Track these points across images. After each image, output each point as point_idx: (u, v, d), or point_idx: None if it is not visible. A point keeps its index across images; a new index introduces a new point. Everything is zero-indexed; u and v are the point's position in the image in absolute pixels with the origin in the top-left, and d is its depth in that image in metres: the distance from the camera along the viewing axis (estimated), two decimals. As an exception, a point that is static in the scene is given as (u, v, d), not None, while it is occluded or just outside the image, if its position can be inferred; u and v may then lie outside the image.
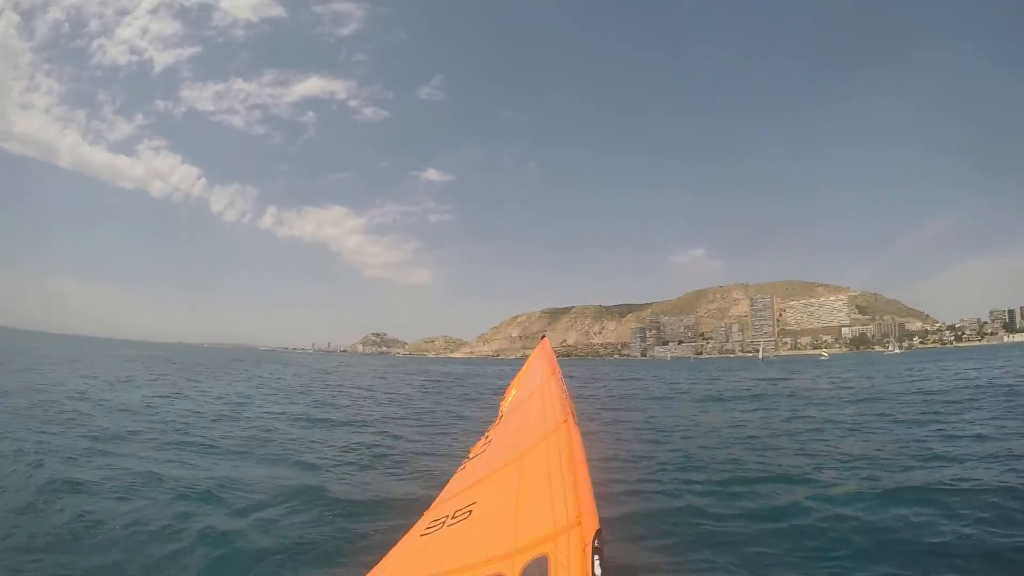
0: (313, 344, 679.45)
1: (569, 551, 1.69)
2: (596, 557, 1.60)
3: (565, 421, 2.87)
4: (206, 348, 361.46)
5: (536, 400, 4.01)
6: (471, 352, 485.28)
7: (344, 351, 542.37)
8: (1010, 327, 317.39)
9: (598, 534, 1.68)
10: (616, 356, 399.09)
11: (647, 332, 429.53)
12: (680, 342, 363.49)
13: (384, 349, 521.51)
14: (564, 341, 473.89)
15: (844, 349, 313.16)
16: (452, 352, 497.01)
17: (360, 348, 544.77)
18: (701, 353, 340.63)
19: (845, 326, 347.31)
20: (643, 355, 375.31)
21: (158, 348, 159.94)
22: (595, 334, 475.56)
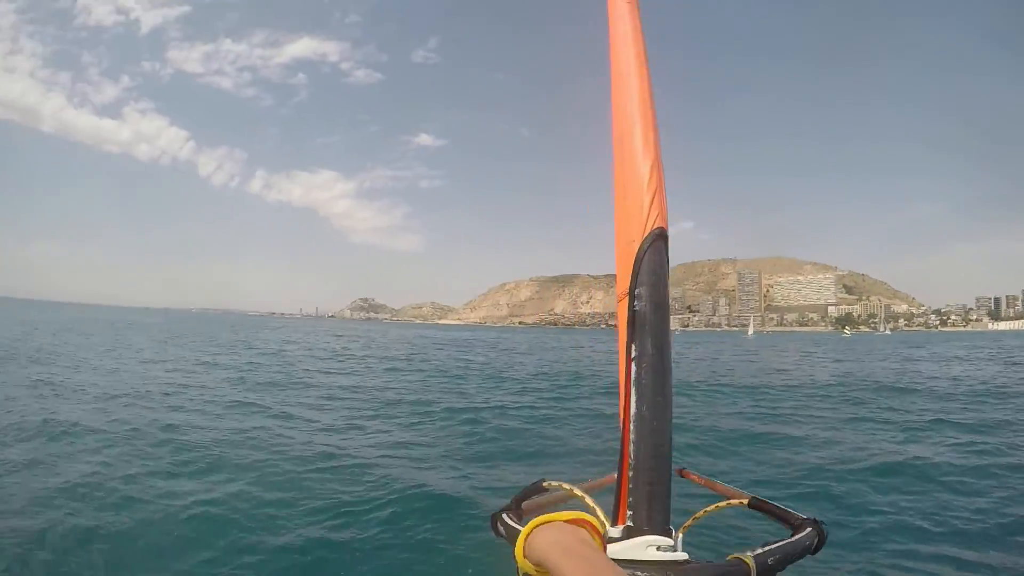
0: (301, 309, 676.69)
1: None
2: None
3: None
4: (195, 313, 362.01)
5: None
6: (459, 319, 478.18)
7: (332, 316, 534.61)
8: (995, 315, 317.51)
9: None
10: (604, 326, 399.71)
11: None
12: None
13: (372, 315, 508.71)
14: (552, 310, 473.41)
15: (829, 328, 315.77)
16: (440, 319, 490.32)
17: (348, 313, 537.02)
18: (688, 326, 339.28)
19: (832, 304, 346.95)
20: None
21: (147, 314, 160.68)
22: (583, 303, 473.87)
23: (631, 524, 1.08)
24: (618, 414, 1.22)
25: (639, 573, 0.93)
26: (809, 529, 1.09)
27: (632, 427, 1.15)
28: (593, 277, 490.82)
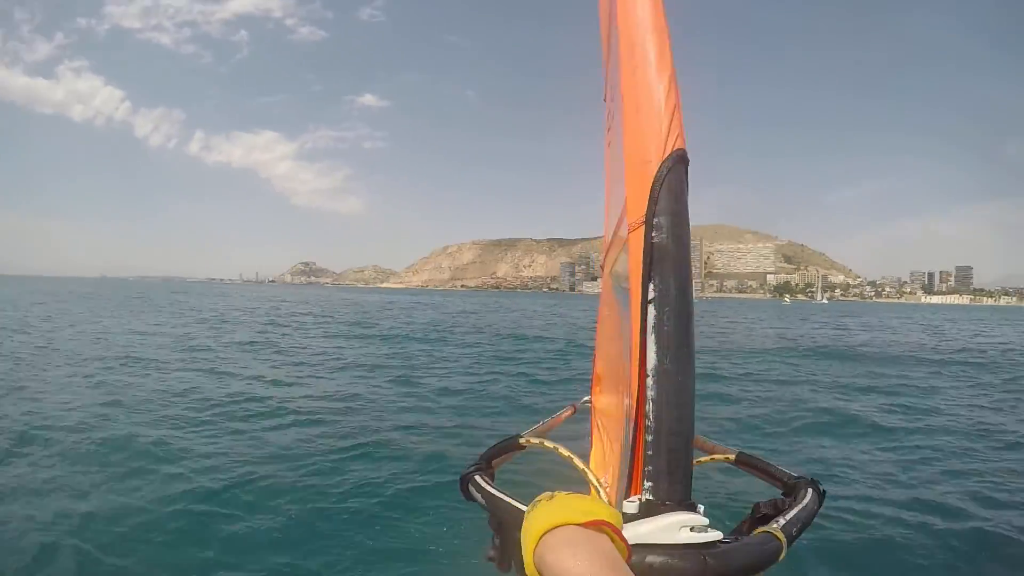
0: (241, 275, 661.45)
1: None
2: None
3: None
4: (132, 281, 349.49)
5: None
6: (401, 283, 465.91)
7: (272, 281, 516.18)
8: (928, 289, 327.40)
9: None
10: (545, 290, 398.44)
11: (576, 267, 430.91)
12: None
13: (313, 279, 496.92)
14: (494, 273, 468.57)
15: (768, 296, 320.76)
16: (382, 282, 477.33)
17: (288, 278, 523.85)
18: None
19: (771, 273, 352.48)
20: (571, 290, 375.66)
21: (81, 284, 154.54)
22: (525, 267, 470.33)
23: (651, 497, 0.88)
24: (629, 367, 0.97)
25: (672, 559, 0.75)
26: (810, 491, 1.00)
27: (652, 383, 0.91)
28: (536, 241, 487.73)
